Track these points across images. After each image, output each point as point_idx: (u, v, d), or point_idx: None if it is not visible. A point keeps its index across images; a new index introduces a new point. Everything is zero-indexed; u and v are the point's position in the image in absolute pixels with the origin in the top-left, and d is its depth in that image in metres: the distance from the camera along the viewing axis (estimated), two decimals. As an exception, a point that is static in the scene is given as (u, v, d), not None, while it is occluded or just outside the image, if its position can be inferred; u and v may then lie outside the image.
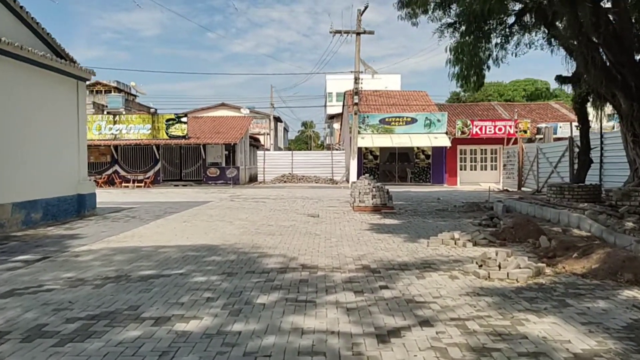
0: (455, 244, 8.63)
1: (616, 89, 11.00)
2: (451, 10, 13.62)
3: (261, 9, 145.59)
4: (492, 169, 32.22)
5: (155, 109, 43.75)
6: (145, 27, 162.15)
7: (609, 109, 13.69)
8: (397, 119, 31.75)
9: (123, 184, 30.78)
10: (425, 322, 4.55)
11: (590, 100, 13.65)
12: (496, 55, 13.97)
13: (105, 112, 36.81)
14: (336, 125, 51.95)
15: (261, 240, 9.52)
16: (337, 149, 41.66)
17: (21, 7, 11.74)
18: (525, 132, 30.00)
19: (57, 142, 12.96)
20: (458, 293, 5.55)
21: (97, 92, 46.95)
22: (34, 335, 4.30)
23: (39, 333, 4.36)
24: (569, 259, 6.82)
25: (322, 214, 14.14)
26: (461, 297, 5.37)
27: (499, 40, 13.99)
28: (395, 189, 20.19)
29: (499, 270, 6.27)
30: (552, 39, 13.42)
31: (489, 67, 14.05)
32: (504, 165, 27.75)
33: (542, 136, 28.18)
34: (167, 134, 31.35)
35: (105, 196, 21.00)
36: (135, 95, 49.71)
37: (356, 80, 29.05)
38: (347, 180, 30.67)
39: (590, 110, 14.85)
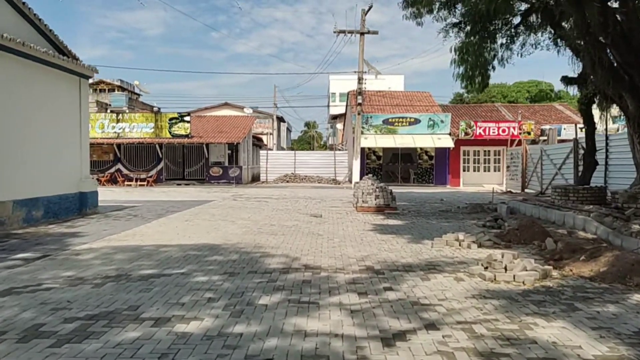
0: (459, 245, 8.52)
1: (623, 90, 10.87)
2: (456, 10, 13.53)
3: (265, 8, 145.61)
4: (495, 171, 32.07)
5: (159, 108, 43.80)
6: (149, 26, 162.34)
7: (614, 110, 13.53)
8: (401, 120, 31.64)
9: (126, 183, 30.74)
10: (431, 325, 4.44)
11: (596, 101, 13.52)
12: (501, 55, 13.87)
13: (108, 111, 36.75)
14: (339, 126, 51.81)
15: (263, 240, 9.42)
16: (340, 149, 41.56)
17: (23, 3, 11.67)
18: (529, 133, 29.83)
19: (59, 139, 12.89)
20: (464, 295, 5.44)
21: (100, 90, 46.94)
22: (30, 336, 4.21)
23: (36, 333, 4.27)
24: (576, 262, 6.70)
25: (325, 214, 14.04)
26: (467, 300, 5.26)
27: (504, 41, 13.89)
28: (398, 190, 20.08)
29: (505, 272, 6.15)
30: (559, 40, 13.29)
31: (494, 68, 13.96)
32: (508, 167, 27.62)
33: (546, 138, 27.98)
34: (170, 132, 31.29)
35: (107, 194, 20.94)
36: (138, 94, 49.66)
37: (360, 80, 28.95)
38: (350, 181, 30.56)
39: (596, 111, 14.71)
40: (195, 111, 47.30)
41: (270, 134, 52.47)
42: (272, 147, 48.74)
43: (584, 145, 14.60)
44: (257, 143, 40.69)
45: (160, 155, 32.37)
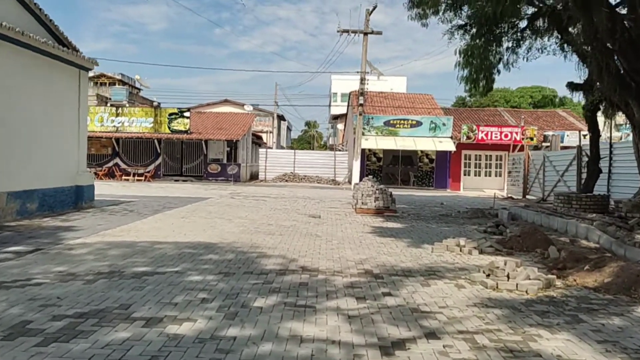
0: (460, 250, 8.37)
1: (630, 98, 10.72)
2: (462, 12, 13.37)
3: (268, 6, 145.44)
4: (496, 176, 31.93)
5: (159, 103, 43.67)
6: (153, 21, 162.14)
7: (620, 118, 13.40)
8: (402, 122, 31.49)
9: (123, 177, 30.56)
10: (431, 334, 4.29)
11: (602, 108, 13.37)
12: (507, 59, 13.71)
13: (108, 105, 36.56)
14: (340, 126, 51.68)
15: (260, 239, 9.27)
16: (340, 150, 41.41)
17: (24, -8, 11.52)
18: (531, 139, 29.69)
19: (56, 132, 12.73)
20: (465, 303, 5.29)
21: (101, 84, 46.83)
22: (17, 333, 4.05)
23: (23, 330, 4.12)
24: (580, 272, 6.56)
25: (323, 215, 13.89)
26: (468, 308, 5.11)
27: (510, 44, 13.73)
28: (397, 192, 19.93)
29: (508, 280, 6.00)
30: (565, 45, 13.15)
31: (499, 71, 13.80)
32: (509, 172, 27.45)
33: (548, 144, 27.86)
34: (169, 128, 31.12)
35: (104, 189, 20.76)
36: (139, 89, 49.51)
37: (362, 80, 28.77)
38: (350, 182, 30.40)
39: (600, 119, 14.56)
40: (195, 107, 47.12)
41: (270, 132, 52.34)
42: (271, 146, 48.57)
43: (588, 152, 14.45)
44: (257, 141, 40.55)
45: (159, 151, 32.20)
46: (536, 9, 12.92)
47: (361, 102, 29.02)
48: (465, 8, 13.12)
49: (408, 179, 32.70)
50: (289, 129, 73.58)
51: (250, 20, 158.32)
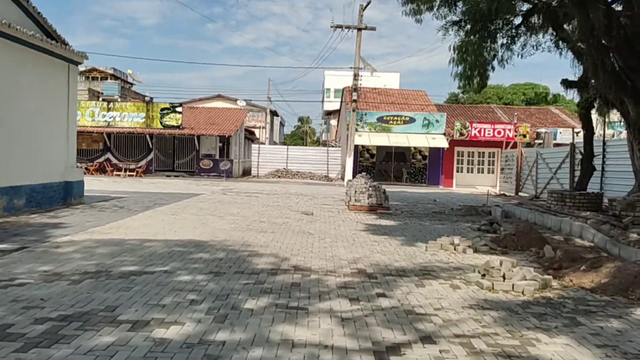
0: (454, 249, 8.26)
1: (625, 96, 10.65)
2: (457, 8, 13.26)
3: (262, 1, 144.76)
4: (489, 172, 31.90)
5: (151, 98, 43.29)
6: (145, 16, 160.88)
7: (615, 115, 13.33)
8: (395, 118, 31.37)
9: (115, 173, 30.27)
10: (426, 338, 4.17)
11: (596, 106, 13.31)
12: (501, 56, 13.65)
13: (100, 99, 36.17)
14: (333, 122, 51.50)
15: (252, 237, 9.12)
16: (333, 146, 41.24)
17: (11, -16, 11.25)
18: (524, 136, 29.67)
19: (44, 126, 12.48)
20: (461, 305, 5.18)
21: (93, 78, 46.35)
22: (-4, 338, 3.89)
23: (3, 335, 3.95)
24: (576, 272, 6.47)
25: (316, 212, 13.75)
26: (464, 310, 4.99)
27: (504, 41, 13.66)
28: (390, 189, 19.81)
29: (504, 281, 5.90)
30: (560, 42, 13.07)
31: (493, 68, 13.73)
32: (502, 169, 27.46)
33: (541, 141, 27.85)
34: (161, 123, 30.81)
35: (95, 184, 20.54)
36: (131, 84, 49.08)
37: (355, 76, 28.62)
38: (343, 178, 30.28)
39: (593, 116, 14.51)
40: (188, 102, 46.80)
41: (263, 127, 52.07)
42: (264, 141, 48.33)
43: (581, 150, 14.40)
44: (250, 136, 40.29)
45: (151, 146, 31.89)
46: (531, 6, 12.83)
47: (354, 98, 28.87)
48: (460, 4, 13.02)
49: (401, 175, 32.60)
50: (282, 124, 73.32)
51: (243, 15, 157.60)
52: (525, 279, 5.87)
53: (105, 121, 31.08)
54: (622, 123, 14.01)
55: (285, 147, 39.87)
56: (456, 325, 4.53)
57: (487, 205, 15.89)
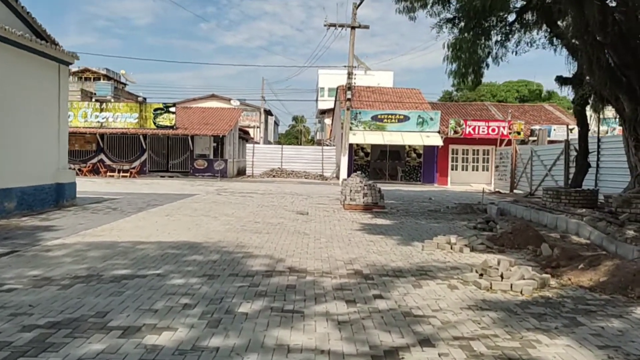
0: (451, 248, 8.18)
1: (620, 92, 10.61)
2: (451, 5, 13.17)
3: (255, 1, 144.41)
4: (483, 170, 31.91)
5: (144, 98, 43.05)
6: (138, 16, 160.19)
7: (609, 112, 13.30)
8: (390, 116, 31.32)
9: (108, 174, 30.06)
10: (425, 341, 4.07)
11: (591, 102, 13.27)
12: (496, 53, 13.58)
13: (93, 100, 35.91)
14: (327, 121, 51.36)
15: (247, 238, 9.01)
16: (327, 145, 41.14)
17: (-1, -17, 11.08)
18: (518, 133, 29.70)
19: (35, 127, 12.31)
20: (459, 306, 5.09)
21: (86, 79, 46.05)
22: (-19, 347, 3.77)
23: (-11, 343, 3.83)
24: (574, 270, 6.40)
25: (311, 212, 13.65)
26: (463, 311, 4.91)
27: (499, 38, 13.58)
28: (385, 187, 19.73)
29: (502, 280, 5.82)
30: (554, 38, 13.01)
31: (487, 65, 13.65)
32: (496, 167, 27.42)
33: (535, 138, 27.87)
34: (154, 123, 30.63)
35: (88, 186, 20.37)
36: (125, 84, 48.81)
37: (349, 75, 28.53)
38: (338, 177, 30.19)
39: (587, 113, 14.46)
40: (181, 102, 46.55)
41: (258, 127, 51.89)
42: (259, 141, 48.15)
43: (576, 146, 14.36)
44: (244, 136, 40.13)
45: (144, 147, 31.69)
46: (525, 2, 12.77)
47: (349, 96, 28.78)
48: (454, 1, 12.93)
49: (396, 173, 32.56)
50: (276, 124, 73.11)
51: (236, 15, 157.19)
52: (524, 278, 5.79)
53: (98, 122, 30.88)
54: (616, 119, 13.99)
55: (280, 146, 39.75)
56: (455, 327, 4.45)
57: (483, 203, 15.84)
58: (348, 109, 29.09)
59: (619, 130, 23.06)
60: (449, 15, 13.39)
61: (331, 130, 46.00)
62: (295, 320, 4.54)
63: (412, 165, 32.77)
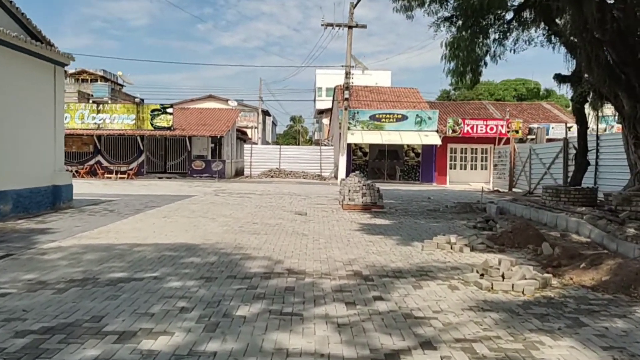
0: (451, 248, 8.11)
1: (619, 89, 10.55)
2: (448, 4, 13.08)
3: (252, 1, 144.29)
4: (482, 169, 31.87)
5: (142, 99, 42.90)
6: (135, 17, 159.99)
7: (609, 110, 13.25)
8: (388, 116, 31.26)
9: (105, 175, 29.94)
10: (427, 344, 4.00)
11: (589, 100, 13.20)
12: (494, 51, 13.48)
13: (90, 101, 35.78)
14: (325, 121, 51.29)
15: (245, 239, 8.93)
16: (326, 145, 41.06)
17: (-7, -16, 10.99)
18: (517, 132, 29.66)
19: (31, 129, 12.22)
20: (460, 307, 5.02)
21: (83, 80, 45.84)
22: (-27, 353, 3.69)
23: (-19, 350, 3.75)
24: (576, 269, 6.33)
25: (310, 212, 13.57)
26: (464, 313, 4.84)
27: (497, 36, 13.50)
28: (384, 187, 19.65)
29: (503, 280, 5.75)
30: (553, 36, 12.94)
31: (485, 64, 13.56)
32: (495, 166, 27.37)
33: (534, 136, 27.83)
34: (152, 124, 30.52)
35: (85, 187, 20.27)
36: (122, 85, 48.62)
37: (347, 74, 28.44)
38: (336, 177, 30.11)
39: (587, 111, 14.40)
40: (179, 103, 46.47)
41: (255, 127, 51.79)
42: (256, 141, 48.06)
43: (575, 144, 14.30)
44: (242, 137, 40.05)
45: (142, 148, 31.59)
46: (523, 0, 12.70)
47: (346, 96, 28.70)
48: (451, -1, 12.86)
49: (394, 173, 32.50)
50: (274, 124, 73.05)
51: (233, 16, 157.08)
52: (525, 278, 5.73)
53: (95, 123, 30.76)
54: (615, 117, 13.94)
55: (278, 146, 39.67)
56: (456, 328, 4.38)
57: (482, 202, 15.78)
58: (346, 109, 29.01)
59: (618, 128, 23.04)
60: (447, 14, 13.32)
61: (329, 130, 45.91)
62: (294, 323, 4.47)
63: (411, 164, 32.71)
